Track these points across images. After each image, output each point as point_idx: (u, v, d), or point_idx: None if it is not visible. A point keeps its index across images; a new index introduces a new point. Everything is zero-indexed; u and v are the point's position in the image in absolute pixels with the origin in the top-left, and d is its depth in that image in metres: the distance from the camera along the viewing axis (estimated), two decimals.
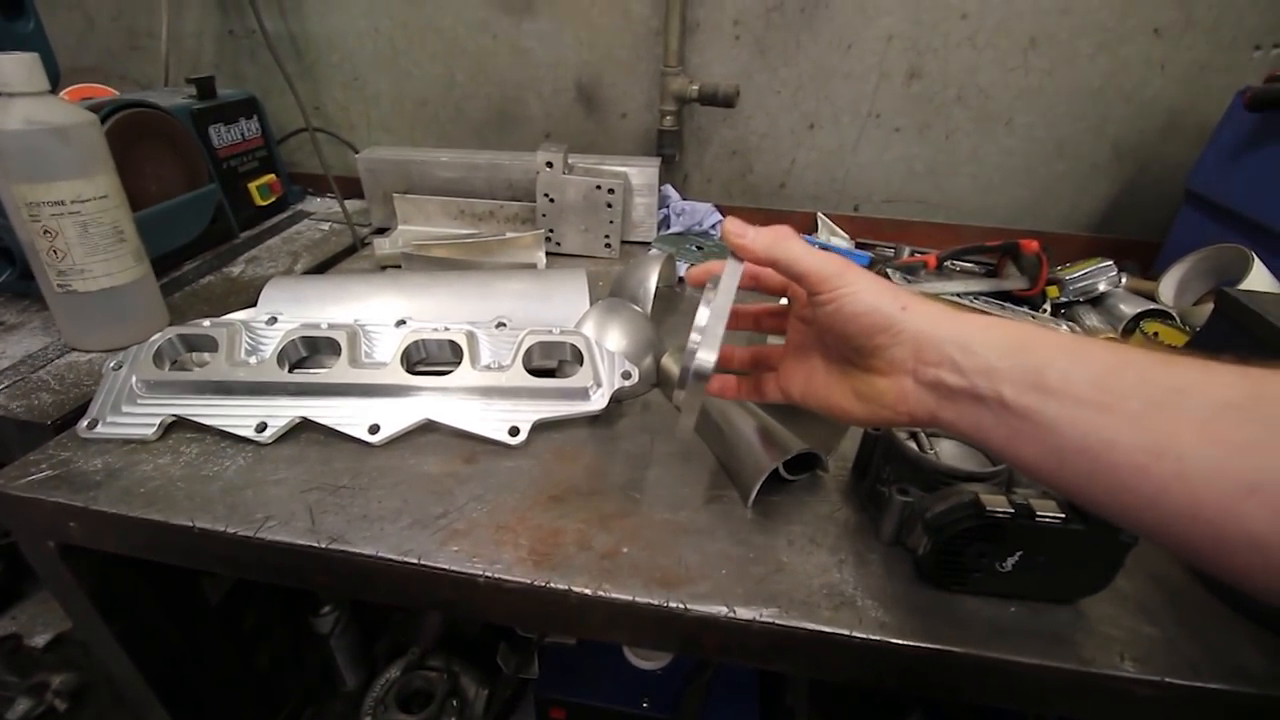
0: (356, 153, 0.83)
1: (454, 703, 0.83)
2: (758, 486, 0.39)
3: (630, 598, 0.33)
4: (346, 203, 0.80)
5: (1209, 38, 0.73)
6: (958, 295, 0.67)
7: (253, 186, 0.82)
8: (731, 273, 0.30)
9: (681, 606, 0.33)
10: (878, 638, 0.32)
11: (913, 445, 0.38)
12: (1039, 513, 0.32)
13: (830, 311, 0.28)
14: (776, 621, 0.32)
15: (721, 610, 0.33)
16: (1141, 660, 0.32)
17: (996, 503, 0.33)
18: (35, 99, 0.47)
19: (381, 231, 0.82)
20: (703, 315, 0.29)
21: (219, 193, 0.76)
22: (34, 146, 0.46)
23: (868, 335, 0.27)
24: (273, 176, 0.85)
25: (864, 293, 0.27)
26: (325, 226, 0.84)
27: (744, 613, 0.33)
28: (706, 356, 0.28)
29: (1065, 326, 0.62)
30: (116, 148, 0.54)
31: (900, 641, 0.32)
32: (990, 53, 0.77)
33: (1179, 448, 0.20)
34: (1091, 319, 0.63)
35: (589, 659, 0.71)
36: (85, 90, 0.82)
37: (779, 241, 0.29)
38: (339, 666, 1.00)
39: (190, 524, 0.36)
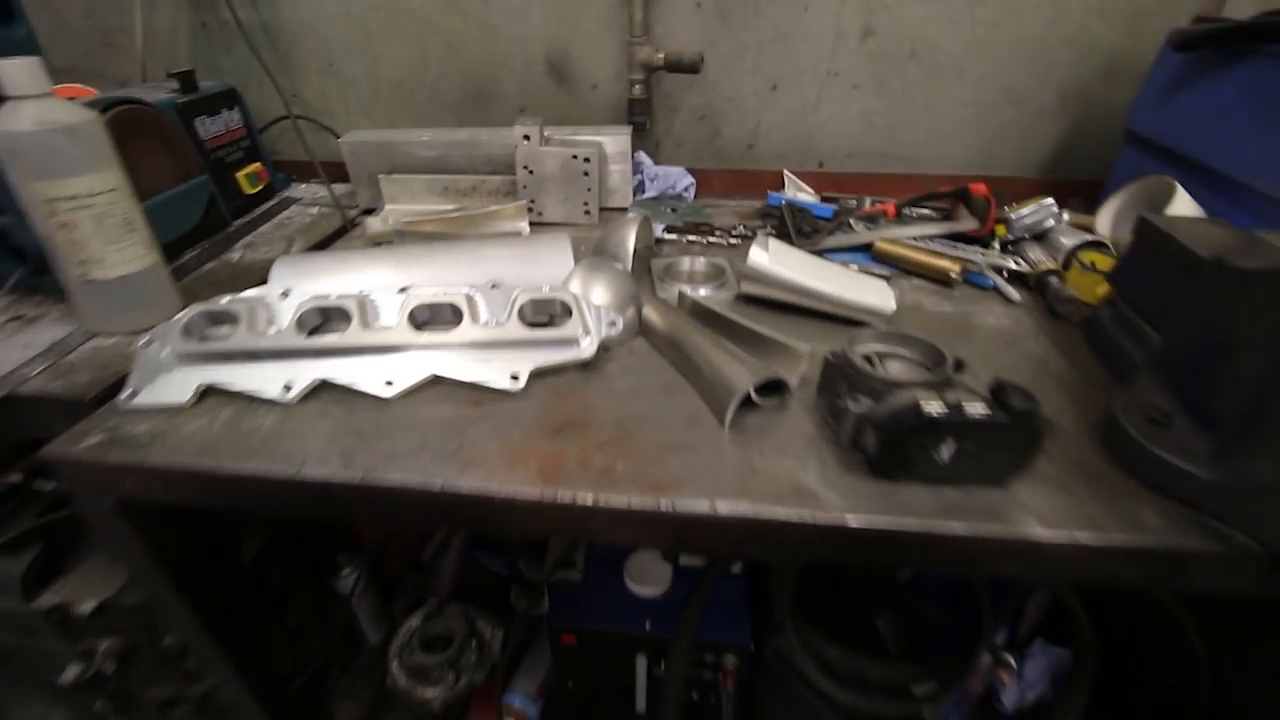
0: (337, 137, 0.86)
1: (473, 643, 0.90)
2: (733, 409, 0.44)
3: (626, 503, 0.39)
4: (332, 186, 0.84)
5: None
6: (915, 239, 0.72)
7: (240, 175, 0.85)
8: None
9: (670, 507, 0.39)
10: (837, 521, 0.38)
11: (865, 365, 0.44)
12: (967, 409, 0.38)
13: None
14: (750, 514, 0.38)
15: (704, 506, 0.39)
16: (1055, 524, 0.38)
17: (931, 402, 0.38)
18: (41, 100, 0.51)
19: (369, 212, 0.85)
20: None
21: (210, 183, 0.79)
22: (47, 145, 0.50)
23: None
24: (259, 165, 0.88)
25: None
26: (314, 210, 0.88)
27: (723, 507, 0.39)
28: None
29: (1013, 261, 0.68)
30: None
31: (856, 524, 0.38)
32: (938, 7, 0.81)
33: None
34: (1036, 252, 0.69)
35: (594, 592, 0.78)
36: (67, 90, 0.84)
37: None
38: (361, 625, 1.06)
39: (237, 469, 0.41)
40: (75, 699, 0.88)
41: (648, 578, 0.80)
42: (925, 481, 0.41)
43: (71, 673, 0.77)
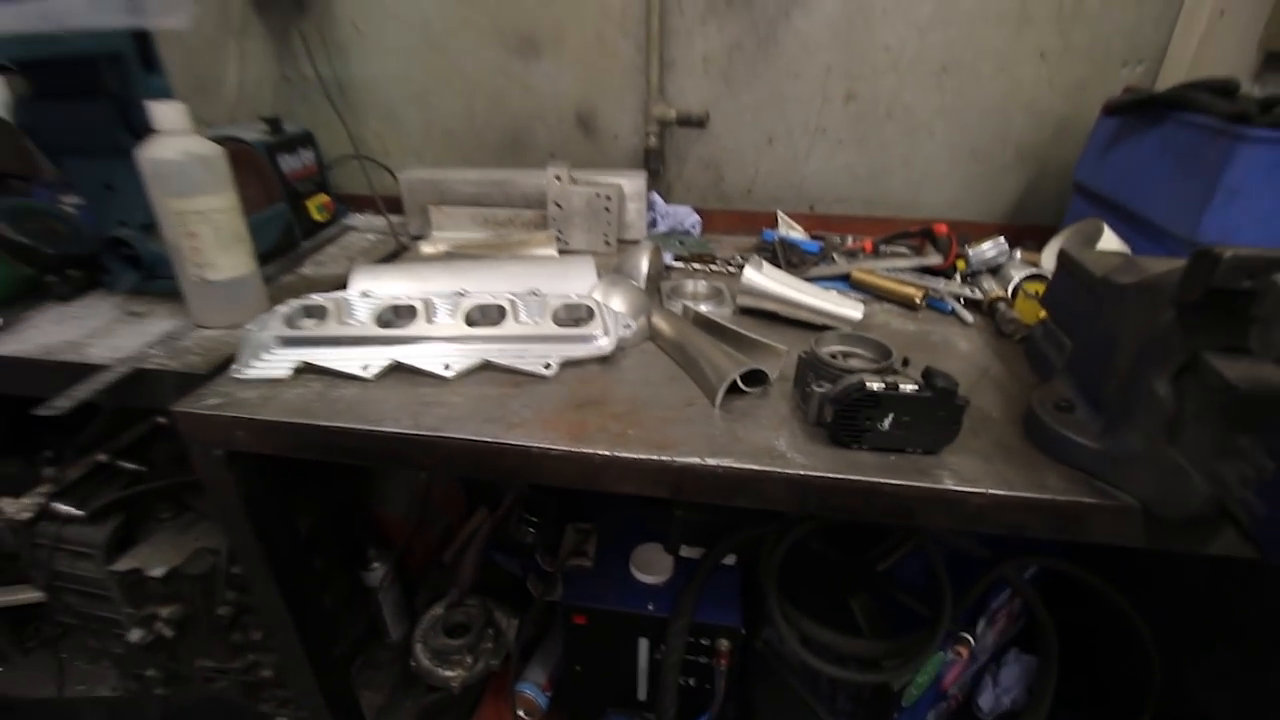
0: (393, 176, 1.00)
1: (490, 631, 0.98)
2: (723, 390, 0.55)
3: (636, 456, 0.50)
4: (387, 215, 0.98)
5: (1085, 58, 0.92)
6: (887, 270, 0.84)
7: (311, 205, 0.99)
8: None
9: (670, 459, 0.49)
10: (800, 473, 0.49)
11: (830, 359, 0.55)
12: (901, 386, 0.49)
13: None
14: (733, 466, 0.49)
15: (696, 460, 0.49)
16: (973, 482, 0.48)
17: (874, 381, 0.49)
18: (184, 136, 0.64)
19: (419, 238, 0.99)
20: None
21: (288, 210, 0.92)
22: (185, 171, 0.63)
23: None
24: (326, 197, 1.02)
25: None
26: (371, 237, 1.01)
27: (711, 461, 0.49)
28: None
29: (969, 290, 0.79)
30: None
31: (815, 474, 0.49)
32: (910, 77, 0.95)
33: None
34: (990, 283, 0.80)
35: (603, 578, 0.87)
36: None
37: None
38: (385, 619, 1.15)
39: (330, 424, 0.53)
40: (129, 665, 0.97)
41: (652, 567, 0.89)
42: (873, 448, 0.51)
43: (136, 634, 0.87)
